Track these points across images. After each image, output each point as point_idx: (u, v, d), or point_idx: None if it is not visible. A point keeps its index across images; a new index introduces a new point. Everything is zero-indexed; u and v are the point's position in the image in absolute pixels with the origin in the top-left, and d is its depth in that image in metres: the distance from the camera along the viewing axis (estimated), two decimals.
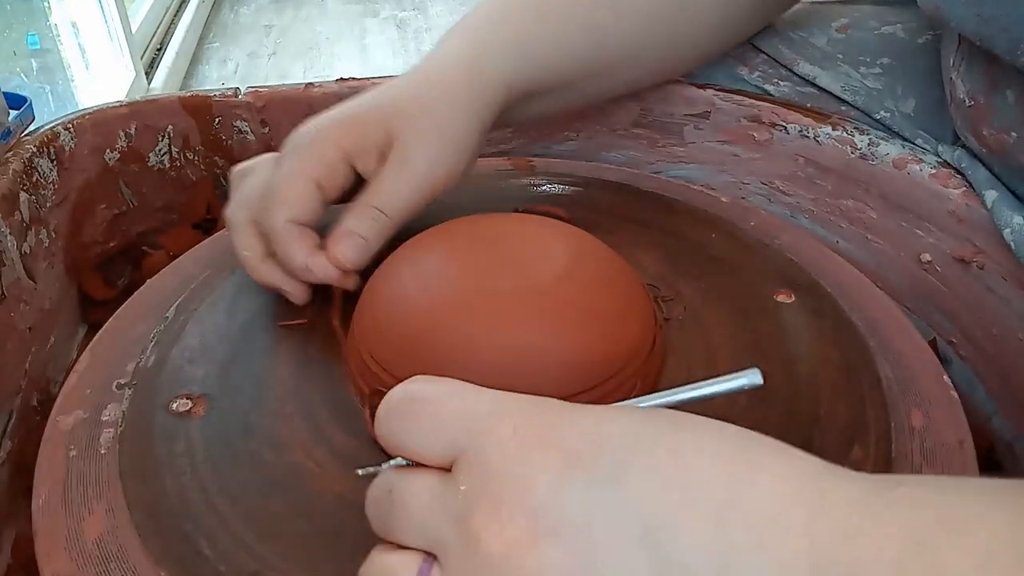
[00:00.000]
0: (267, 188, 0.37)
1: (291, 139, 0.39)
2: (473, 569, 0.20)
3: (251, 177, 0.40)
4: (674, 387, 0.25)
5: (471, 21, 0.44)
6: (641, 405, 0.24)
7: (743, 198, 0.54)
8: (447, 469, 0.22)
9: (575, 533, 0.19)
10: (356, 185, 0.38)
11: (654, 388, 0.34)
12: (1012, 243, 0.39)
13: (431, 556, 0.21)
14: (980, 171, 0.43)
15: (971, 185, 0.44)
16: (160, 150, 0.53)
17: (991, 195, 0.41)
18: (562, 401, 0.23)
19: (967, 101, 0.42)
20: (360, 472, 0.25)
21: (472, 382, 0.30)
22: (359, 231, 0.36)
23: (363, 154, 0.37)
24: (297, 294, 0.38)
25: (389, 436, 0.23)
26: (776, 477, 0.19)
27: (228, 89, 0.54)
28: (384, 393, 0.24)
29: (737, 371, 0.24)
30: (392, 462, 0.23)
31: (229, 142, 0.55)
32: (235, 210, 0.39)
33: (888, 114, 0.49)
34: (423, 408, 0.22)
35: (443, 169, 0.38)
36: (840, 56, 0.51)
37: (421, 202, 0.38)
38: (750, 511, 0.19)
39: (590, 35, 0.45)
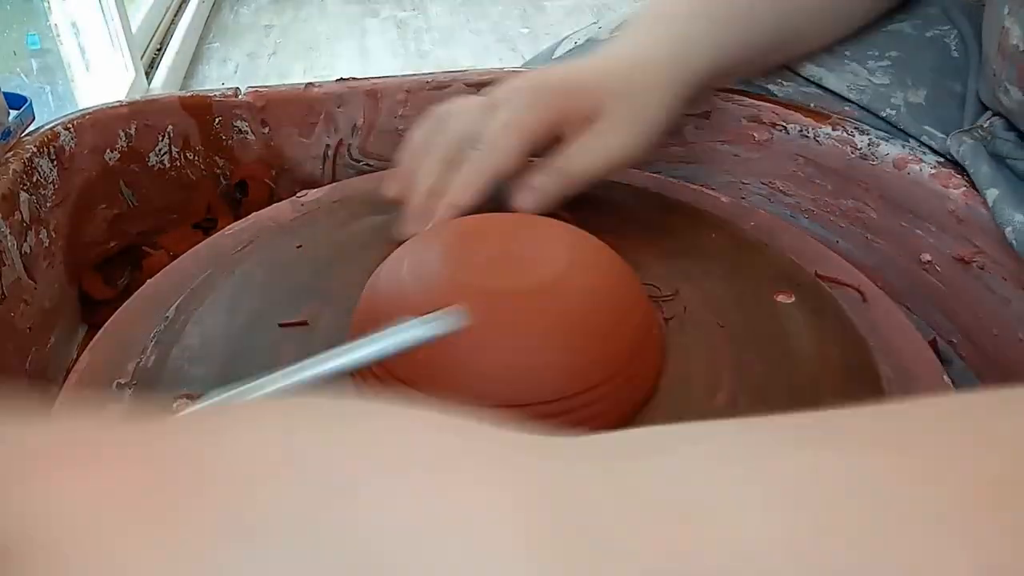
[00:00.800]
0: (476, 134, 0.40)
1: (506, 91, 0.42)
2: None
3: (455, 120, 0.42)
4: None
5: (667, 10, 0.47)
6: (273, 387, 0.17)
7: (743, 198, 0.54)
8: None
9: None
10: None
11: (654, 389, 0.34)
12: (1014, 241, 0.39)
13: None
14: (983, 167, 0.43)
15: (971, 185, 0.44)
16: (160, 150, 0.53)
17: (992, 193, 0.41)
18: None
19: (1021, 46, 0.41)
20: None
21: (472, 382, 0.31)
22: (540, 187, 0.41)
23: (571, 122, 0.41)
24: (414, 226, 0.41)
25: None
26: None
27: (228, 89, 0.54)
28: None
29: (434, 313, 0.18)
30: None
31: (229, 142, 0.55)
32: (430, 140, 0.42)
33: (894, 111, 0.49)
34: None
35: (632, 151, 0.42)
36: (847, 53, 0.51)
37: (604, 175, 0.42)
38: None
39: (778, 9, 0.48)
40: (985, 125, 0.45)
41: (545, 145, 0.41)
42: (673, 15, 0.46)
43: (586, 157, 0.41)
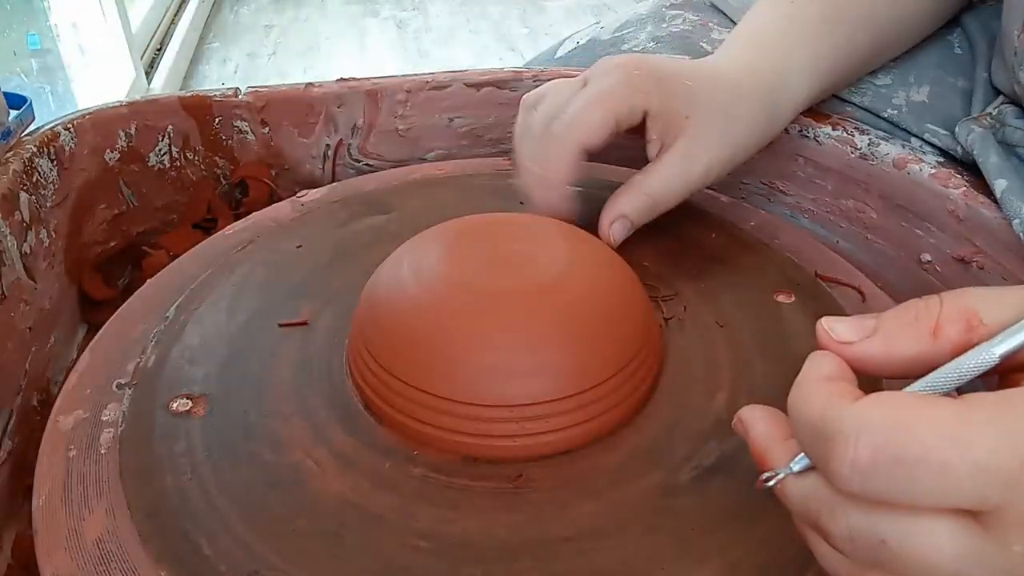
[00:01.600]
0: (567, 104, 0.39)
1: (601, 67, 0.40)
2: None
3: (546, 100, 0.41)
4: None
5: (766, 36, 0.45)
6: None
7: (743, 198, 0.54)
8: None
9: None
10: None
11: (653, 389, 0.34)
12: (1021, 233, 0.39)
13: None
14: (992, 156, 0.43)
15: (972, 184, 0.44)
16: (160, 150, 0.53)
17: (1001, 184, 0.41)
18: None
19: None
20: (771, 483, 0.23)
21: (471, 382, 0.31)
22: (631, 216, 0.40)
23: (660, 113, 0.39)
24: (567, 213, 0.40)
25: (875, 493, 0.20)
26: None
27: (228, 89, 0.54)
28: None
29: None
30: (799, 464, 0.22)
31: (229, 142, 0.55)
32: (525, 125, 0.41)
33: (895, 111, 0.49)
34: (921, 465, 0.19)
35: (714, 175, 0.41)
36: None
37: (686, 196, 0.41)
38: None
39: (872, 34, 0.46)
40: (994, 113, 0.45)
41: (630, 127, 0.40)
42: (774, 44, 0.44)
43: (672, 183, 0.40)
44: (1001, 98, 0.47)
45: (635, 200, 0.40)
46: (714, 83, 0.41)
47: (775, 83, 0.43)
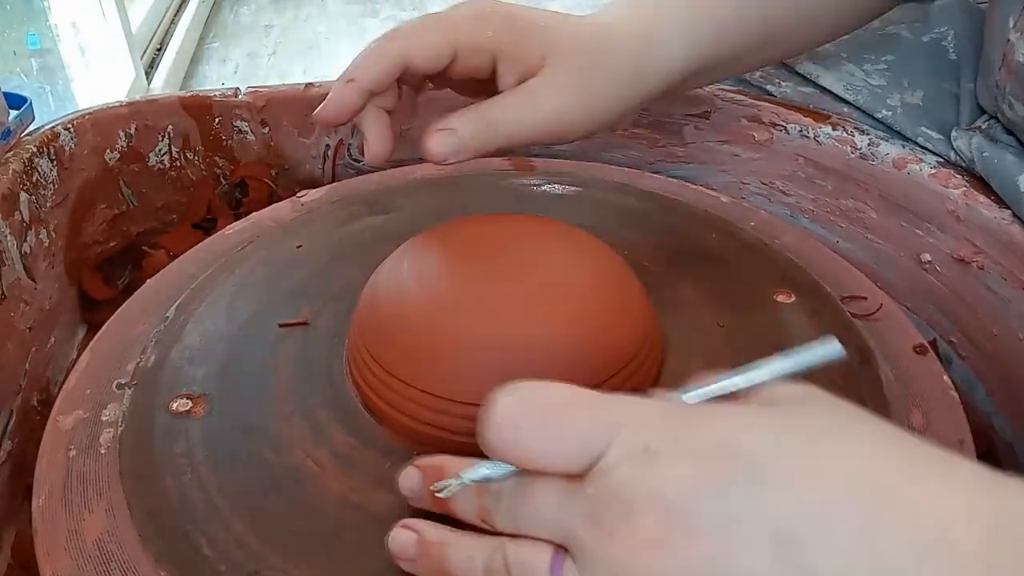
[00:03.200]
0: (406, 23, 0.36)
1: (458, 4, 0.37)
2: (604, 564, 0.21)
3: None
4: (720, 374, 0.25)
5: None
6: (719, 383, 0.24)
7: (743, 198, 0.54)
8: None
9: (707, 537, 0.20)
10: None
11: (653, 388, 0.34)
12: None
13: (561, 548, 0.22)
14: (1007, 156, 0.42)
15: (971, 185, 0.44)
16: (160, 150, 0.53)
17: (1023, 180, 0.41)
18: (691, 405, 0.23)
19: None
20: (443, 494, 0.24)
21: (471, 382, 0.31)
22: (460, 132, 0.35)
23: (512, 62, 0.36)
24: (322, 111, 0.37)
25: (507, 447, 0.22)
26: (937, 491, 0.19)
27: (228, 89, 0.54)
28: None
29: (811, 344, 0.24)
30: (469, 475, 0.24)
31: (229, 142, 0.55)
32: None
33: (890, 112, 0.49)
34: (550, 419, 0.22)
35: (568, 124, 0.37)
36: (844, 55, 0.51)
37: (534, 139, 0.37)
38: (904, 524, 0.18)
39: (765, 7, 0.43)
40: (983, 127, 0.45)
41: (477, 69, 0.36)
42: (650, 4, 0.41)
43: (518, 112, 0.36)
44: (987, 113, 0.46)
45: (471, 119, 0.35)
46: (575, 31, 0.38)
47: (644, 43, 0.40)
